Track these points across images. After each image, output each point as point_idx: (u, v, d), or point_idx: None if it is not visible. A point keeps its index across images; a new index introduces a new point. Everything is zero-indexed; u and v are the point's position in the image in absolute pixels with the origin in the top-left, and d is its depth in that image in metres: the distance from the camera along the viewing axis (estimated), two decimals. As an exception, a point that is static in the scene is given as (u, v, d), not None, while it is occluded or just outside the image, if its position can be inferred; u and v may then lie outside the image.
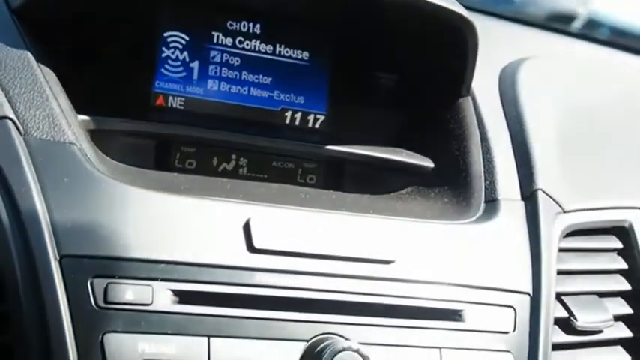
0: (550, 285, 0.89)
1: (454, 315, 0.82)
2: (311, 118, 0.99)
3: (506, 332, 0.85)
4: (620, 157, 1.08)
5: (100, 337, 0.69)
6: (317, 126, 1.00)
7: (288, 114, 0.99)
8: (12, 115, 0.74)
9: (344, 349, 0.73)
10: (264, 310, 0.75)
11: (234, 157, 0.95)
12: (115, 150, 0.86)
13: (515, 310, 0.86)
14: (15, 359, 0.69)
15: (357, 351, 0.74)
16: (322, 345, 0.74)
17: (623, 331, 0.97)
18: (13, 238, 0.70)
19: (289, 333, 0.75)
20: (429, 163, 0.98)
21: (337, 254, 0.79)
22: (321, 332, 0.76)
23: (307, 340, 0.75)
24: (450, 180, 0.96)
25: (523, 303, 0.87)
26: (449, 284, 0.83)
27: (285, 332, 0.75)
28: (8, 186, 0.71)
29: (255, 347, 0.73)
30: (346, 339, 0.76)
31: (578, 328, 0.93)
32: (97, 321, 0.69)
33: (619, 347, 0.97)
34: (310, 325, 0.76)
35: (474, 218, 0.90)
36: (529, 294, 0.87)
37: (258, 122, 0.96)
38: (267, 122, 0.97)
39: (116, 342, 0.69)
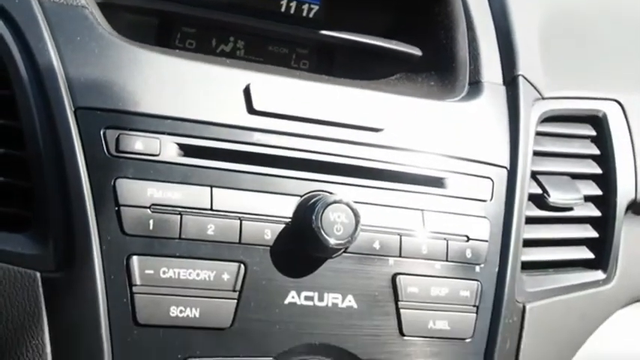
0: (526, 162, 0.96)
1: (437, 182, 0.89)
2: (305, 7, 1.04)
3: (484, 200, 0.91)
4: (601, 51, 1.14)
5: (113, 182, 0.75)
6: (311, 15, 1.04)
7: (284, 2, 1.03)
8: None
9: (335, 202, 0.80)
10: (261, 166, 0.81)
11: (232, 39, 1.00)
12: (119, 27, 0.91)
13: (493, 181, 0.92)
14: (36, 204, 0.75)
15: (347, 204, 0.80)
16: (315, 199, 0.81)
17: (593, 211, 1.04)
18: (32, 91, 0.75)
19: (284, 188, 0.81)
20: (417, 51, 1.04)
21: (331, 120, 0.85)
22: (313, 189, 0.83)
23: (301, 196, 0.82)
24: (437, 66, 1.02)
25: (501, 176, 0.93)
26: (433, 154, 0.90)
27: (281, 187, 0.81)
28: (26, 42, 0.76)
29: (253, 199, 0.80)
30: None
31: (551, 204, 1.00)
32: (109, 167, 0.75)
33: (588, 226, 1.04)
34: (304, 183, 0.82)
35: (458, 98, 0.96)
36: (506, 168, 0.94)
37: (256, 8, 1.01)
38: (265, 9, 1.01)
39: (127, 187, 0.75)
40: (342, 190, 0.83)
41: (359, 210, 0.81)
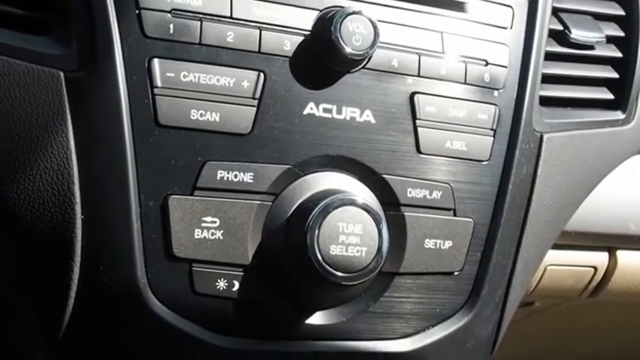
0: (547, -3, 0.95)
1: (457, 5, 0.89)
2: None
3: (504, 28, 0.91)
4: None
5: None
6: None
7: None
8: None
9: (354, 13, 0.80)
10: None
11: None
12: None
13: (513, 10, 0.92)
14: (58, 7, 0.76)
15: (366, 16, 0.80)
16: (334, 11, 0.81)
17: (614, 52, 1.04)
18: None
19: (304, 2, 0.81)
20: None
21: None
22: (333, 4, 0.83)
23: (320, 10, 0.82)
24: None
25: (522, 5, 0.93)
26: (453, -21, 0.89)
27: (300, 1, 0.81)
28: None
29: (272, 9, 0.80)
30: None
31: (572, 40, 0.99)
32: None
33: (609, 66, 1.04)
34: (324, -2, 0.82)
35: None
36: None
37: None
38: None
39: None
40: (361, 6, 0.83)
41: (378, 25, 0.81)
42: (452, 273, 0.88)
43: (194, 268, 0.78)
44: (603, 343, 1.49)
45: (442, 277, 0.88)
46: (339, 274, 0.78)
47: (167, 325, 0.78)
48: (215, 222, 0.79)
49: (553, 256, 1.04)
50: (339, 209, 0.79)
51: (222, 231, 0.79)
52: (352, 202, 0.80)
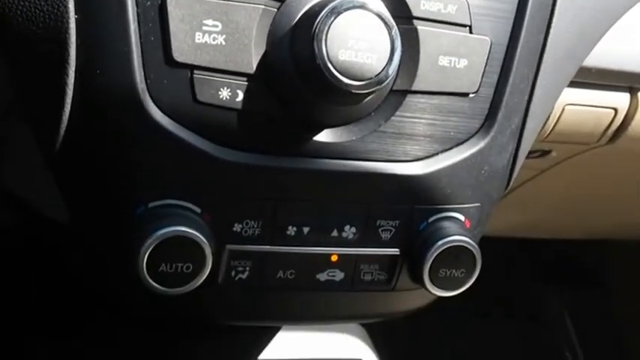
0: None
1: None
2: None
3: None
4: None
5: None
6: None
7: None
8: None
9: None
10: None
11: None
12: None
13: None
14: None
15: None
16: None
17: None
18: None
19: None
20: None
21: None
22: None
23: None
24: None
25: None
26: None
27: None
28: None
29: None
30: None
31: None
32: None
33: None
34: None
35: None
36: None
37: None
38: None
39: None
40: None
41: None
42: (467, 94, 0.84)
43: (195, 75, 0.74)
44: (614, 217, 1.46)
45: (457, 99, 0.84)
46: (348, 81, 0.74)
47: (167, 134, 0.75)
48: (217, 26, 0.74)
49: (572, 95, 0.99)
50: (349, 12, 0.74)
51: (224, 36, 0.74)
52: (363, 6, 0.75)
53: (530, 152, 0.98)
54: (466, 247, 0.84)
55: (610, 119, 1.03)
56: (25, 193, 0.95)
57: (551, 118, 1.00)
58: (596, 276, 2.18)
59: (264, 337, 1.09)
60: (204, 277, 0.77)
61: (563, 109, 1.00)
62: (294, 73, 0.75)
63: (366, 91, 0.75)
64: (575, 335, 2.19)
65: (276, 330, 1.10)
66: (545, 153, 1.11)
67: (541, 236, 1.71)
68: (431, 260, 0.84)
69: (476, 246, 0.85)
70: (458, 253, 0.84)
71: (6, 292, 1.10)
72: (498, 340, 2.13)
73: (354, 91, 0.74)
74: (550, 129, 1.02)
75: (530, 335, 2.18)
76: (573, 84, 0.96)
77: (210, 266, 0.76)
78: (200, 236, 0.75)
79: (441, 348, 2.06)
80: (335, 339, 1.16)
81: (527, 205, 1.32)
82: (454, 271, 0.85)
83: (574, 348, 2.18)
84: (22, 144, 0.84)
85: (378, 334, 1.29)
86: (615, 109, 1.03)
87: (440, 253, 0.83)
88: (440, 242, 0.84)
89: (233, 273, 0.82)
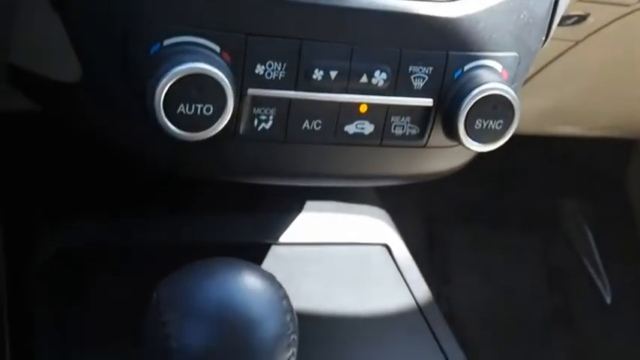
0: None
1: None
2: None
3: None
4: None
5: None
6: None
7: None
8: None
9: None
10: None
11: None
12: None
13: None
14: None
15: None
16: None
17: None
18: None
19: None
20: None
21: None
22: None
23: None
24: None
25: None
26: None
27: None
28: None
29: None
30: None
31: None
32: None
33: None
34: None
35: None
36: None
37: None
38: None
39: None
40: None
41: None
42: None
43: None
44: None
45: None
46: None
47: None
48: None
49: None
50: None
51: None
52: None
53: (565, 17, 0.92)
54: (504, 97, 0.78)
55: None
56: (35, 59, 0.90)
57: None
58: (619, 189, 2.13)
59: (287, 215, 1.05)
60: (225, 122, 0.71)
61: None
62: None
63: None
64: (595, 247, 2.15)
65: (299, 209, 1.06)
66: (582, 19, 1.04)
67: (563, 132, 1.64)
68: (467, 109, 0.78)
69: (515, 96, 0.79)
70: (495, 102, 0.78)
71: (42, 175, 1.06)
72: (517, 251, 2.09)
73: None
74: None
75: (549, 246, 2.14)
76: None
77: (231, 109, 0.71)
78: (220, 73, 0.69)
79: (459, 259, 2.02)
80: (359, 221, 1.11)
81: (555, 88, 1.26)
82: (491, 122, 0.79)
83: (594, 258, 2.14)
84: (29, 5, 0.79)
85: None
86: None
87: (476, 102, 0.78)
88: (476, 90, 0.78)
89: (256, 122, 0.76)
